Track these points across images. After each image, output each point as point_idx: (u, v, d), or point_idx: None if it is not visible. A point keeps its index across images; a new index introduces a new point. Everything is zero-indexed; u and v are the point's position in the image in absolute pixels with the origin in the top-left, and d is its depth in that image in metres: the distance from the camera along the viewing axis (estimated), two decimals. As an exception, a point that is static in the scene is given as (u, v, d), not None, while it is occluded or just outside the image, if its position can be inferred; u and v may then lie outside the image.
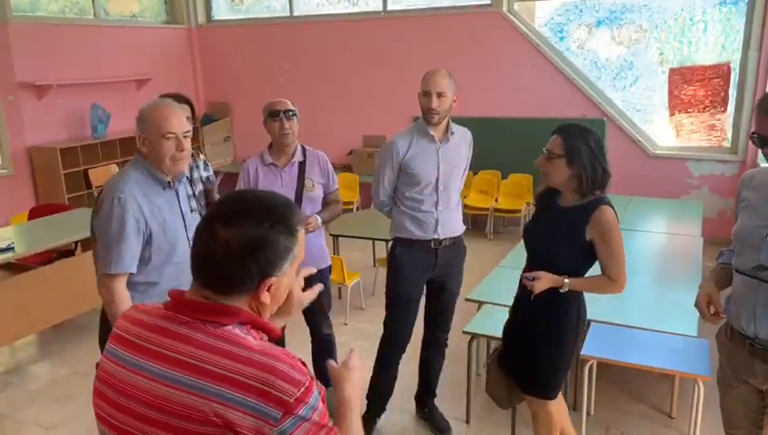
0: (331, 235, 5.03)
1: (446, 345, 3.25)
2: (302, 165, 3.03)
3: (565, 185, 2.26)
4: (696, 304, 2.07)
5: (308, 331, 3.34)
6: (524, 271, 2.40)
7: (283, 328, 3.20)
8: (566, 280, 2.23)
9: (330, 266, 3.25)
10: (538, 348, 2.38)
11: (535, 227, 2.44)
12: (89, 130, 7.13)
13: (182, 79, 8.29)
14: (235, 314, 1.07)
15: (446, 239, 2.96)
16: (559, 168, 2.22)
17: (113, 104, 7.17)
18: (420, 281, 3.01)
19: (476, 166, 7.20)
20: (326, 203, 3.13)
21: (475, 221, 7.14)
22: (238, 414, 0.97)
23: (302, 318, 3.29)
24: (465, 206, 6.83)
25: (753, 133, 1.88)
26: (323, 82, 7.79)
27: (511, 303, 3.42)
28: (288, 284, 1.16)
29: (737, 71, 6.14)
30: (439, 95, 2.77)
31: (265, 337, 1.14)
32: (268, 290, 1.09)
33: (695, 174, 6.38)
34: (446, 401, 3.39)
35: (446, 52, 7.08)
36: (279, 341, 3.52)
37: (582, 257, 2.29)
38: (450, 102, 2.82)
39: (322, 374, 3.44)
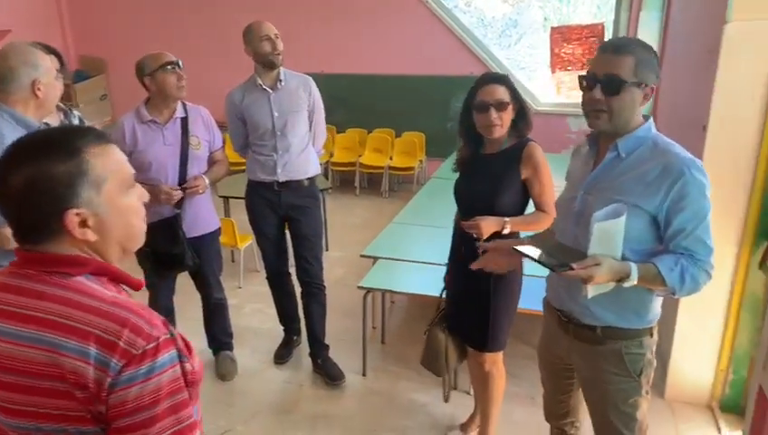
0: (220, 196, 4.85)
1: (321, 294, 3.32)
2: (184, 121, 2.87)
3: (505, 131, 2.28)
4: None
5: (199, 296, 3.24)
6: (457, 230, 2.39)
7: (172, 292, 3.11)
8: (506, 219, 2.25)
9: (219, 229, 3.14)
10: (490, 306, 2.37)
11: (470, 183, 2.40)
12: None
13: (48, 31, 7.53)
14: (84, 263, 1.01)
15: (289, 181, 3.10)
16: (509, 114, 2.24)
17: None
18: (268, 218, 3.20)
19: (370, 124, 7.26)
20: (212, 162, 3.00)
21: (371, 179, 7.19)
22: (80, 364, 0.93)
23: (192, 284, 3.19)
24: (360, 165, 6.91)
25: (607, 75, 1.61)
26: (206, 35, 7.39)
27: (403, 256, 3.55)
28: (117, 211, 1.04)
29: (611, 30, 6.51)
30: (276, 37, 2.96)
31: (130, 293, 1.08)
32: (85, 226, 1.00)
33: (573, 129, 6.75)
34: (343, 355, 3.43)
35: (334, 5, 6.94)
36: (168, 308, 3.38)
37: (520, 198, 2.32)
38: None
39: (214, 339, 3.37)
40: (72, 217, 0.98)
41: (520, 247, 1.74)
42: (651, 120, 1.71)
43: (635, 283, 1.58)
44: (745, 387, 2.87)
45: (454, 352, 2.57)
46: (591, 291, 1.61)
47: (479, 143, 2.37)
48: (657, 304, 1.79)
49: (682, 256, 1.60)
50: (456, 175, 2.48)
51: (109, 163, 1.02)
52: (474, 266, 2.10)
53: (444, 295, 2.61)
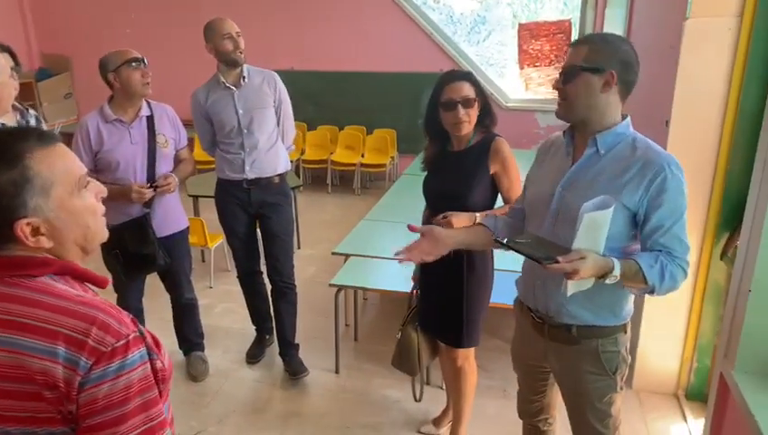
0: (189, 195, 4.79)
1: (291, 293, 3.31)
2: (150, 120, 2.82)
3: (472, 127, 2.29)
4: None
5: (168, 296, 3.20)
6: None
7: (141, 293, 3.06)
8: (477, 214, 2.26)
9: (188, 228, 3.10)
10: (464, 302, 2.37)
11: (439, 181, 2.40)
12: None
13: (8, 27, 7.33)
14: (47, 263, 1.00)
15: (258, 179, 3.09)
16: (476, 110, 2.26)
17: None
18: (238, 217, 3.17)
19: (342, 121, 7.23)
20: (177, 160, 2.96)
21: (343, 177, 7.17)
22: (49, 364, 0.92)
23: (161, 284, 3.14)
24: (332, 162, 6.89)
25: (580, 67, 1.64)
26: (172, 33, 7.26)
27: (375, 253, 3.53)
28: (70, 214, 1.01)
29: (577, 27, 6.60)
30: (238, 35, 2.96)
31: (96, 290, 1.07)
32: (37, 233, 0.98)
33: (542, 125, 6.82)
34: (316, 353, 3.43)
35: (304, 1, 6.90)
36: (138, 309, 3.32)
37: (490, 193, 2.34)
38: None
39: (185, 340, 3.33)
40: (22, 228, 0.96)
41: (503, 239, 1.73)
42: (629, 118, 1.72)
43: (617, 279, 1.56)
44: (709, 375, 2.95)
45: (426, 350, 2.58)
46: (572, 287, 1.58)
47: (446, 140, 2.38)
48: (631, 301, 1.80)
49: (660, 254, 1.60)
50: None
51: (56, 166, 0.99)
52: (399, 257, 1.84)
53: (416, 292, 2.61)
